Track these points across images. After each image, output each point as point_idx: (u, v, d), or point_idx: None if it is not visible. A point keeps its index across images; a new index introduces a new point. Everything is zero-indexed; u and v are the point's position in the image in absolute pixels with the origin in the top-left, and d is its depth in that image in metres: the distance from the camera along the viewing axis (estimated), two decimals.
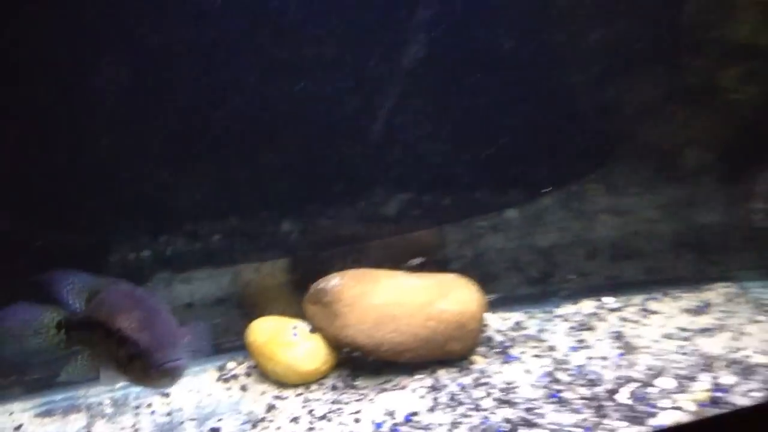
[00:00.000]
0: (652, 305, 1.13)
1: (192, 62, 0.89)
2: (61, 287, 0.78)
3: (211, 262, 0.93)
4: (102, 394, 0.91)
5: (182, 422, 0.86)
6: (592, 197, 1.18)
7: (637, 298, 1.15)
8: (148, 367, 0.71)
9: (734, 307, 1.12)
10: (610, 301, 1.14)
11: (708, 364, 0.98)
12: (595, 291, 1.16)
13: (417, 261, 0.98)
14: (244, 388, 0.91)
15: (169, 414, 0.87)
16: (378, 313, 0.88)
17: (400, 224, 1.04)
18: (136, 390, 0.89)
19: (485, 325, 1.05)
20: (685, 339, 1.05)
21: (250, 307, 0.96)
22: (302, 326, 0.92)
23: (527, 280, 1.15)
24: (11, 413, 0.89)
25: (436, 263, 1.05)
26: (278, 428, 0.84)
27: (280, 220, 0.96)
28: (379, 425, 0.86)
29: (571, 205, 1.18)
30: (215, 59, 0.89)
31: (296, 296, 0.97)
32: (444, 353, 0.93)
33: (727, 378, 0.95)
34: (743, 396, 0.91)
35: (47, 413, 0.89)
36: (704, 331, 1.06)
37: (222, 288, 0.94)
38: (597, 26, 1.03)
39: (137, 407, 0.88)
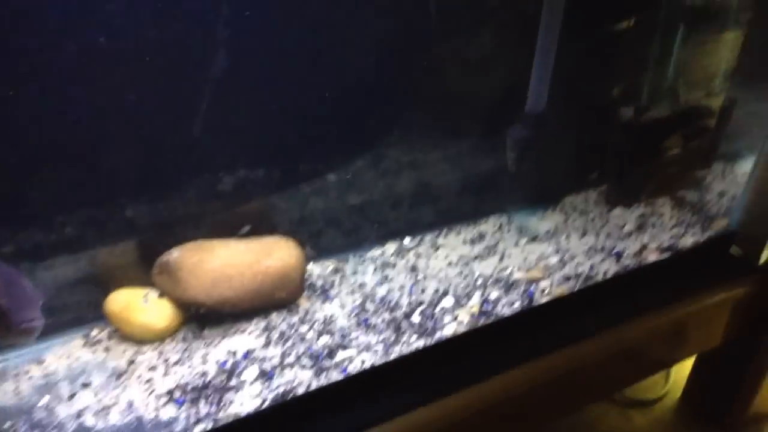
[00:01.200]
0: (441, 241, 1.39)
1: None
2: None
3: (68, 250, 1.07)
4: None
5: (57, 382, 1.01)
6: (395, 157, 1.41)
7: (429, 237, 1.40)
8: (10, 326, 0.86)
9: (502, 235, 1.42)
10: (407, 241, 1.40)
11: (481, 284, 1.27)
12: (396, 234, 1.41)
13: (245, 229, 1.18)
14: (107, 350, 1.06)
15: (45, 377, 1.02)
16: (214, 275, 1.08)
17: (235, 200, 1.22)
18: (14, 362, 1.04)
19: (308, 275, 1.28)
20: (465, 265, 1.32)
21: (106, 284, 1.12)
22: (152, 294, 1.09)
23: (343, 233, 1.38)
24: None
25: (267, 229, 1.25)
26: (139, 376, 1.02)
27: (125, 208, 1.11)
28: (223, 363, 1.05)
29: (378, 165, 1.41)
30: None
31: (145, 270, 1.14)
32: (274, 301, 1.14)
33: (494, 293, 1.24)
34: (505, 306, 1.21)
35: None
36: (478, 257, 1.34)
37: (80, 271, 1.09)
38: None
39: (17, 375, 1.02)
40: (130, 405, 0.98)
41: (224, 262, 1.09)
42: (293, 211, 1.29)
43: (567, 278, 1.24)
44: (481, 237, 1.38)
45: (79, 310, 1.09)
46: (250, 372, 1.04)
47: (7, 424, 0.94)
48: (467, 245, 1.36)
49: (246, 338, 1.10)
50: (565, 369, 1.15)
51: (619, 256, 1.30)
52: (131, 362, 1.05)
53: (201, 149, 1.14)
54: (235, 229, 1.18)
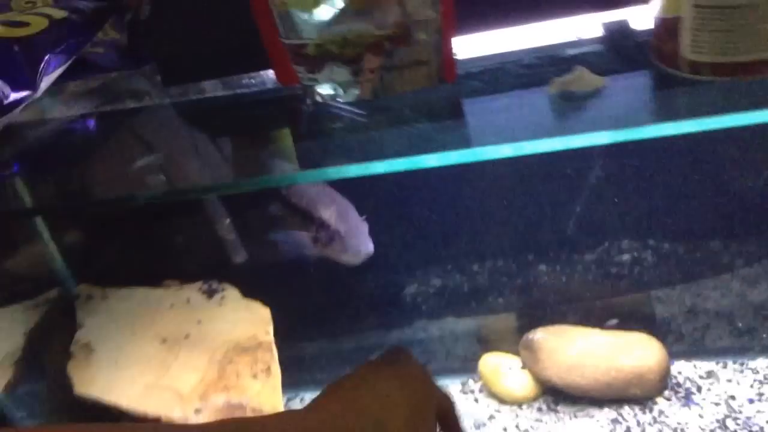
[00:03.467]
0: None
1: None
2: None
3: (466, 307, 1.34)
4: None
5: None
6: None
7: None
8: (345, 249, 1.04)
9: None
10: None
11: None
12: None
13: (612, 322, 1.23)
14: (476, 401, 1.27)
15: None
16: (569, 362, 1.17)
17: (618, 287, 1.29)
18: None
19: (677, 373, 1.26)
20: None
21: (486, 344, 1.34)
22: (516, 364, 1.25)
23: (731, 334, 1.30)
24: None
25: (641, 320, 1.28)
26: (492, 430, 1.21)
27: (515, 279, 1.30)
28: None
29: None
30: None
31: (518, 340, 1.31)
32: (627, 396, 1.18)
33: None
34: None
35: None
36: None
37: (470, 327, 1.33)
38: None
39: None
40: None
41: (581, 351, 1.19)
42: (680, 304, 1.29)
43: None
44: None
45: (464, 362, 1.33)
46: None
47: None
48: None
49: (593, 424, 1.18)
50: None
51: None
52: (491, 417, 1.24)
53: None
54: (603, 319, 1.25)
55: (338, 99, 0.78)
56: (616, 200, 1.23)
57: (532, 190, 1.22)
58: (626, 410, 1.19)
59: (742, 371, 1.23)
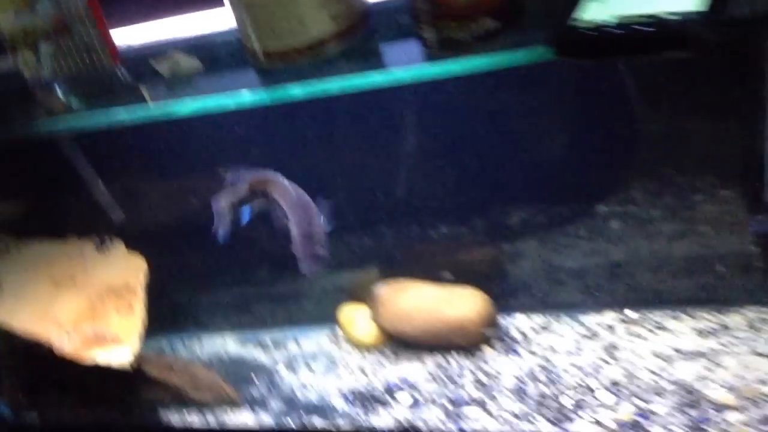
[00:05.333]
0: (669, 323, 1.23)
1: None
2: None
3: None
4: None
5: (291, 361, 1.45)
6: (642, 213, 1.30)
7: (661, 315, 1.25)
8: (302, 253, 1.17)
9: (750, 336, 1.16)
10: (631, 314, 1.27)
11: (661, 389, 1.12)
12: (628, 303, 1.29)
13: (446, 276, 1.34)
14: (338, 346, 1.43)
15: (298, 354, 1.43)
16: (400, 313, 1.31)
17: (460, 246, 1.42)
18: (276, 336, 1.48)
19: (511, 326, 1.35)
20: (667, 360, 1.16)
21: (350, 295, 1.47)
22: (366, 314, 1.39)
23: (567, 290, 1.36)
24: None
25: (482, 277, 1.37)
26: (340, 374, 1.33)
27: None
28: (391, 384, 1.28)
29: (624, 220, 1.32)
30: None
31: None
32: (452, 346, 1.29)
33: (663, 407, 1.09)
34: (661, 428, 1.07)
35: None
36: (690, 355, 1.16)
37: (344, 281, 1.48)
38: None
39: (277, 347, 1.49)
40: (322, 388, 1.32)
41: (411, 303, 1.30)
42: (512, 262, 1.37)
43: None
44: (717, 331, 1.18)
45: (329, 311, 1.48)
46: (404, 397, 1.26)
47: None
48: (693, 337, 1.18)
49: (419, 369, 1.30)
50: None
51: None
52: (342, 359, 1.39)
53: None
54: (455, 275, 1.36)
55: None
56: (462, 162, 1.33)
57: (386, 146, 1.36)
58: (452, 357, 1.30)
59: (572, 326, 1.30)
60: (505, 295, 1.36)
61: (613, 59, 0.78)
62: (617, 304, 1.30)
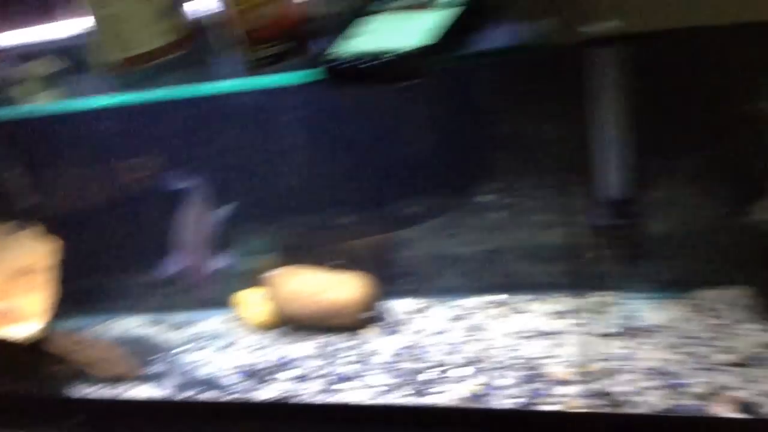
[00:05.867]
0: (531, 306, 1.35)
1: None
2: None
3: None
4: None
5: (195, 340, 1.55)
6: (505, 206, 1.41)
7: (522, 298, 1.37)
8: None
9: (596, 316, 1.28)
10: (501, 297, 1.40)
11: (509, 364, 1.23)
12: (497, 288, 1.41)
13: (335, 262, 1.45)
14: (229, 330, 1.55)
15: (193, 334, 1.57)
16: (288, 296, 1.42)
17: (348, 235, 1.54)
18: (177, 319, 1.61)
19: (395, 310, 1.46)
20: (523, 338, 1.28)
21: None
22: (262, 297, 1.50)
23: (446, 277, 1.48)
24: None
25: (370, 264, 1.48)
26: (233, 351, 1.44)
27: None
28: (280, 359, 1.39)
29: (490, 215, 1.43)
30: None
31: None
32: (336, 327, 1.40)
33: (506, 380, 1.20)
34: (502, 398, 1.18)
35: None
36: (541, 335, 1.28)
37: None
38: None
39: (173, 328, 1.60)
40: (217, 365, 1.42)
41: (298, 287, 1.42)
42: (405, 250, 1.48)
43: (599, 394, 1.12)
44: (572, 312, 1.30)
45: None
46: (287, 374, 1.36)
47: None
48: (548, 318, 1.30)
49: (305, 347, 1.41)
50: None
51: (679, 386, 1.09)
52: (240, 339, 1.49)
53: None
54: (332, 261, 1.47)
55: None
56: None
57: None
58: (335, 338, 1.41)
59: (447, 309, 1.41)
60: (393, 280, 1.47)
61: (359, 86, 0.92)
62: (489, 288, 1.42)
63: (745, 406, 1.03)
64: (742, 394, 1.05)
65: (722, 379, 1.09)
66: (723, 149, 1.16)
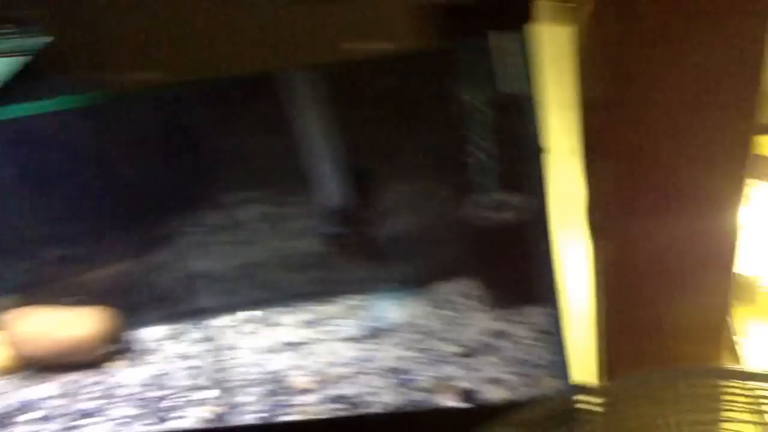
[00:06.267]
0: (282, 319, 1.34)
1: None
2: None
3: None
4: None
5: None
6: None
7: (278, 311, 1.35)
8: None
9: (345, 321, 1.29)
10: (257, 314, 1.37)
11: (254, 380, 1.20)
12: (252, 303, 1.38)
13: (73, 299, 1.38)
14: None
15: None
16: (24, 337, 1.31)
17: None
18: None
19: (146, 338, 1.40)
20: (270, 352, 1.25)
21: None
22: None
23: (193, 300, 1.44)
24: None
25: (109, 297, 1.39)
26: None
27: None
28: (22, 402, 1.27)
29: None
30: None
31: None
32: (75, 363, 1.31)
33: (250, 396, 1.17)
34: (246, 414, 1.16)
35: None
36: (288, 346, 1.26)
37: None
38: None
39: None
40: None
41: (33, 328, 1.32)
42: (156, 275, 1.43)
43: (336, 399, 1.12)
44: (320, 321, 1.30)
45: None
46: (29, 416, 1.26)
47: None
48: (298, 329, 1.30)
49: (49, 388, 1.30)
50: None
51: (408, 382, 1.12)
52: None
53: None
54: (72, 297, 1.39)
55: None
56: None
57: None
58: (81, 375, 1.32)
59: (198, 331, 1.36)
60: (140, 308, 1.40)
61: None
62: (242, 305, 1.39)
63: (467, 394, 1.07)
64: (464, 384, 1.10)
65: (449, 370, 1.13)
66: (435, 151, 1.20)
